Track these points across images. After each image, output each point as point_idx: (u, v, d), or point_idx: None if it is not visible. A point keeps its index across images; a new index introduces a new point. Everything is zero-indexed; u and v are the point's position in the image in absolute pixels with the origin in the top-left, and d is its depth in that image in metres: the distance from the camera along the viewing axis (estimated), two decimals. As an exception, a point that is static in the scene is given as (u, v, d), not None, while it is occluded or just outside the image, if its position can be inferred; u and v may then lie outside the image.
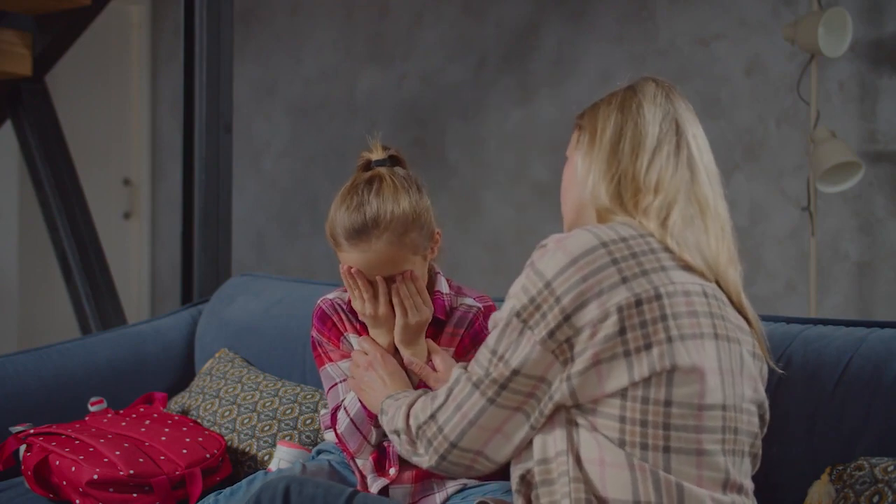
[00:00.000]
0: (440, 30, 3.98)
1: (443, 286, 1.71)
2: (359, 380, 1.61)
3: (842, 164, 2.91)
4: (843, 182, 2.94)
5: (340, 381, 1.70)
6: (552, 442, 1.29)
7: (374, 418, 1.61)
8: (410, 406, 1.41)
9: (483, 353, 1.33)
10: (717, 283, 1.36)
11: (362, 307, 1.63)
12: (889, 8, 3.03)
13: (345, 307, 1.74)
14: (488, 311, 1.71)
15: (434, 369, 1.61)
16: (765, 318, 1.73)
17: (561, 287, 1.26)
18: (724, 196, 1.41)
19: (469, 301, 1.72)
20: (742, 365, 1.34)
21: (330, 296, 1.77)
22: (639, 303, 1.26)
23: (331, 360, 1.72)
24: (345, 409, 1.66)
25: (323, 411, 1.92)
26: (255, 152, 4.54)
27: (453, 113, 3.93)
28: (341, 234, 1.59)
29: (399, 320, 1.61)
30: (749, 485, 1.34)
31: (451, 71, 3.95)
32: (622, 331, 1.25)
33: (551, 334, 1.26)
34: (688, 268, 1.32)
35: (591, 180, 1.39)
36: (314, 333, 1.75)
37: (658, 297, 1.26)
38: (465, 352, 1.68)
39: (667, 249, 1.32)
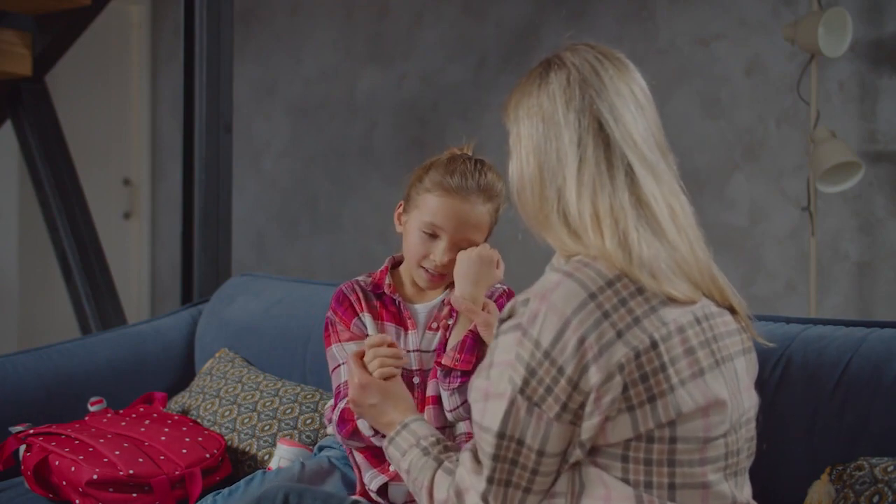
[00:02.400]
0: (440, 30, 3.98)
1: None
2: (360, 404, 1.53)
3: (842, 164, 2.91)
4: (843, 182, 2.93)
5: (344, 363, 1.69)
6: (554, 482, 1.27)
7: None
8: (430, 495, 1.34)
9: (485, 439, 1.25)
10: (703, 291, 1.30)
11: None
12: (889, 8, 3.03)
13: (367, 287, 1.75)
14: (510, 294, 1.77)
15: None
16: (765, 318, 1.74)
17: (561, 356, 1.20)
18: (672, 162, 1.33)
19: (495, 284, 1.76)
20: (738, 380, 1.31)
21: (360, 278, 1.79)
22: (637, 356, 1.20)
23: (339, 340, 1.72)
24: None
25: (328, 403, 1.93)
26: (255, 152, 4.54)
27: (453, 113, 3.93)
28: (454, 182, 1.66)
29: (464, 253, 1.65)
30: (748, 492, 1.34)
31: (451, 71, 3.95)
32: (625, 388, 1.20)
33: (564, 407, 1.21)
34: (674, 300, 1.25)
35: (535, 214, 1.34)
36: (329, 314, 1.75)
37: (654, 345, 1.21)
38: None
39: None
